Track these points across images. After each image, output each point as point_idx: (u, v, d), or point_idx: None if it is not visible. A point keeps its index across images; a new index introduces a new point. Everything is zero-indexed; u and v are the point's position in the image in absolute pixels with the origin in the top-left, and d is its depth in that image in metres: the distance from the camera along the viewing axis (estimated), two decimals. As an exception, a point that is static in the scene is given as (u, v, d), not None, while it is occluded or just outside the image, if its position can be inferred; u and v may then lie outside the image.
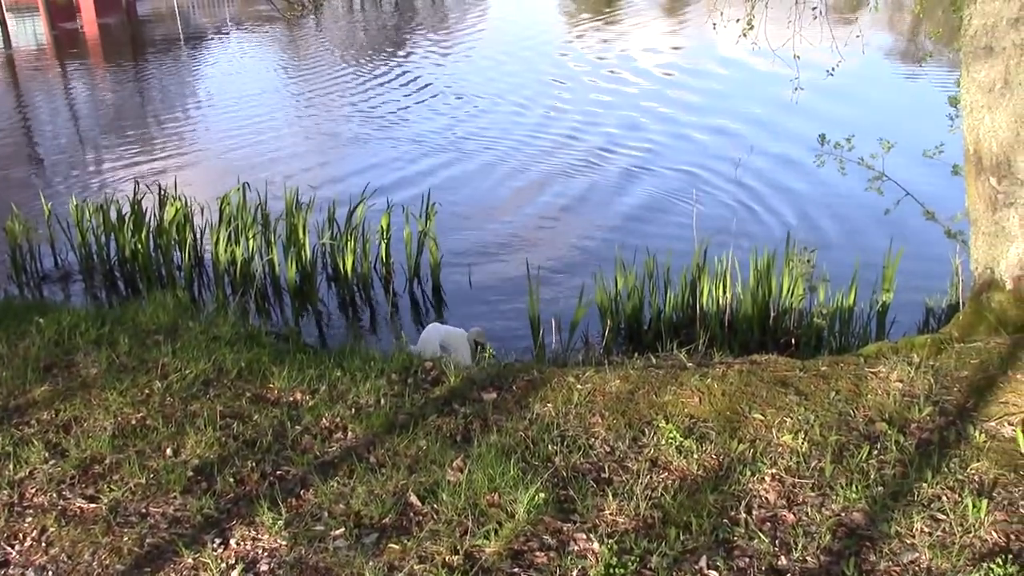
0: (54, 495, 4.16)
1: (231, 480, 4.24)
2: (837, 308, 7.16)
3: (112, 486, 4.20)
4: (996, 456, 4.13)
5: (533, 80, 18.80)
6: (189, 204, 9.31)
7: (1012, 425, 4.36)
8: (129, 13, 36.47)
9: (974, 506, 3.76)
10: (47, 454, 4.48)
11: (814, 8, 7.92)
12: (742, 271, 7.35)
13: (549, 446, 4.43)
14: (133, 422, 4.77)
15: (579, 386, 5.03)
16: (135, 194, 9.26)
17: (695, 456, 4.29)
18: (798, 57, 8.13)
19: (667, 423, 4.56)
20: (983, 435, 4.30)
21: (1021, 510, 3.76)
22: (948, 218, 7.28)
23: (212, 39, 27.66)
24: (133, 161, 13.91)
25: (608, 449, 4.41)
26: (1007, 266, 5.42)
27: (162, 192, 9.43)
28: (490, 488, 4.05)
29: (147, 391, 5.09)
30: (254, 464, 4.38)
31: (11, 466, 4.38)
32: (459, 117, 15.97)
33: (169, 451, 4.50)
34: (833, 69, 8.46)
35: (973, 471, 4.05)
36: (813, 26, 7.99)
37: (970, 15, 5.37)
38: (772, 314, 7.20)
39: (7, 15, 33.94)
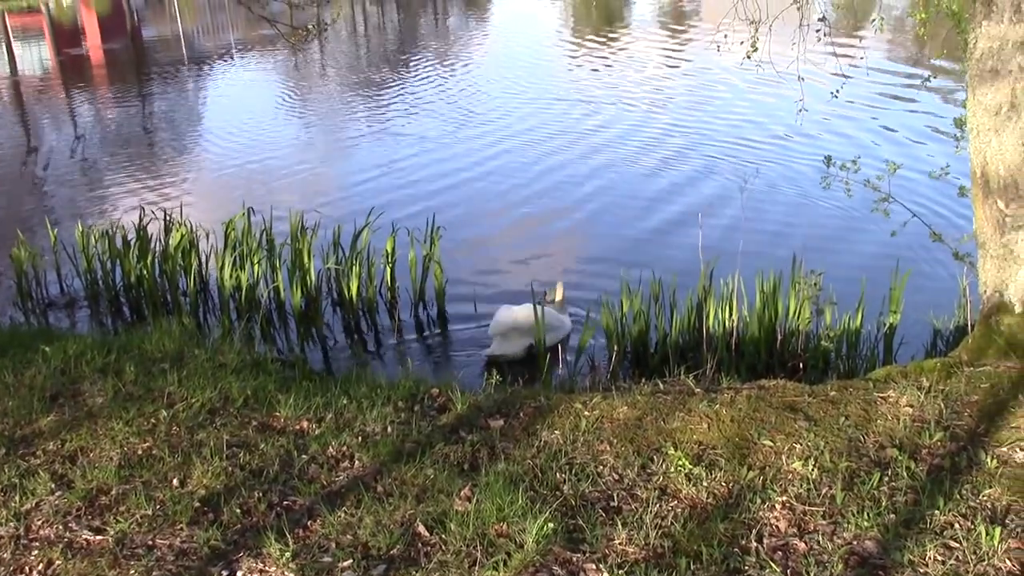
0: (60, 527, 4.14)
1: (238, 511, 4.22)
2: (844, 331, 7.12)
3: (119, 518, 4.18)
4: (1008, 482, 4.11)
5: (535, 100, 18.79)
6: (194, 229, 9.31)
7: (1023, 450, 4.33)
8: (134, 38, 36.67)
9: (987, 533, 3.73)
10: (53, 485, 4.46)
11: (818, 31, 7.92)
12: (748, 294, 7.32)
13: (557, 474, 4.41)
14: (139, 452, 4.76)
15: (586, 413, 5.01)
16: (140, 220, 9.27)
17: (704, 484, 4.26)
18: (802, 79, 8.13)
19: (676, 450, 4.53)
20: (995, 461, 4.27)
21: (1035, 537, 3.73)
22: (955, 239, 7.25)
23: (217, 63, 27.76)
24: (138, 186, 13.92)
25: (617, 477, 4.39)
26: (1016, 289, 5.40)
27: (167, 217, 9.43)
28: (498, 518, 4.02)
29: (153, 420, 5.07)
30: (261, 494, 4.36)
31: (17, 498, 4.36)
32: (461, 137, 15.97)
33: (176, 481, 4.48)
34: (837, 91, 8.46)
35: (985, 497, 4.02)
36: (818, 47, 7.99)
37: (975, 38, 5.36)
38: (779, 337, 7.17)
39: (13, 41, 34.13)
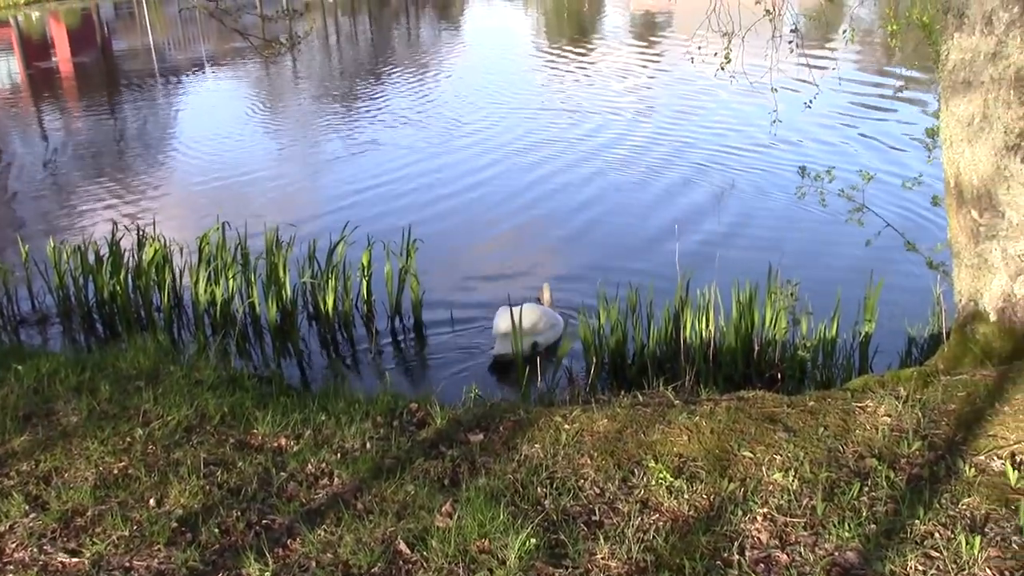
0: (35, 550, 4.08)
1: (216, 531, 4.17)
2: (820, 340, 7.17)
3: (95, 539, 4.12)
4: (987, 491, 4.12)
5: (510, 111, 18.78)
6: (168, 244, 9.24)
7: (1001, 459, 4.35)
8: (105, 50, 36.39)
9: (967, 543, 3.74)
10: (27, 507, 4.40)
11: (790, 42, 7.99)
12: (724, 304, 7.35)
13: (538, 489, 4.39)
14: (115, 472, 4.70)
15: (566, 426, 5.00)
16: (113, 235, 9.18)
17: (686, 496, 4.26)
18: (775, 90, 8.20)
19: (656, 463, 4.53)
20: (973, 469, 4.29)
21: (1014, 546, 3.74)
22: (929, 248, 7.31)
23: (188, 75, 27.58)
24: (110, 201, 13.80)
25: (598, 491, 4.37)
26: (991, 298, 5.44)
27: (140, 232, 9.36)
28: (480, 534, 4.00)
29: (129, 439, 5.01)
30: (239, 513, 4.31)
31: (-10, 520, 4.30)
32: (437, 149, 15.94)
33: (152, 501, 4.42)
34: (810, 102, 8.53)
35: (964, 506, 4.03)
36: (791, 59, 8.06)
37: (948, 50, 5.42)
38: (756, 347, 7.20)
39: (-19, 54, 33.79)
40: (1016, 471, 4.19)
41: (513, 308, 7.66)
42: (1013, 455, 4.35)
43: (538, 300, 8.24)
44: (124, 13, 49.05)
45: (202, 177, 14.99)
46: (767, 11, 7.84)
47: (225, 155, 16.39)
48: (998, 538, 3.80)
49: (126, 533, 4.16)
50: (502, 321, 7.71)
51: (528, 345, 7.71)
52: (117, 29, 43.74)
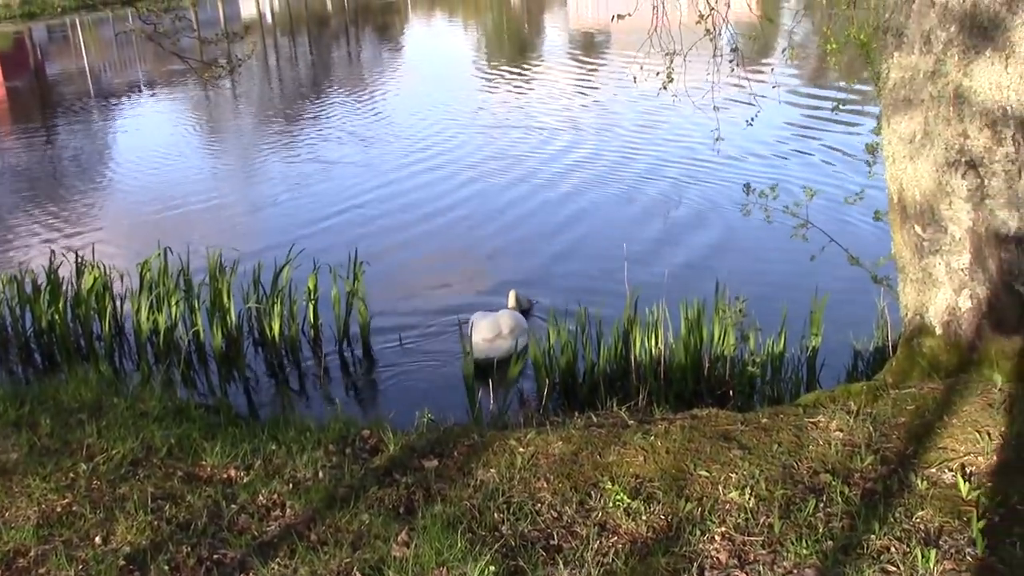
0: (-25, 594, 3.94)
1: (166, 567, 4.06)
2: (768, 355, 7.22)
3: (38, 581, 3.99)
4: (939, 503, 4.17)
5: (448, 134, 18.74)
6: (108, 272, 9.05)
7: (952, 471, 4.41)
8: (39, 74, 35.70)
9: (923, 556, 3.78)
10: (-34, 549, 4.25)
11: (731, 61, 8.08)
12: (673, 321, 7.38)
13: (495, 514, 4.35)
14: (58, 509, 4.56)
15: (521, 449, 4.96)
16: (51, 262, 8.98)
17: (643, 518, 4.24)
18: (717, 109, 8.27)
19: (613, 484, 4.51)
20: (925, 482, 4.34)
21: (968, 558, 3.79)
22: (872, 261, 7.42)
23: (125, 99, 27.13)
24: (47, 227, 13.49)
25: (555, 515, 4.34)
26: (936, 312, 5.52)
27: (79, 260, 9.16)
28: (438, 562, 3.95)
29: (72, 475, 4.87)
30: (189, 549, 4.21)
31: (-73, 564, 4.15)
32: (380, 173, 15.84)
33: (98, 539, 4.30)
34: (752, 119, 8.63)
35: (919, 520, 4.07)
36: (732, 77, 8.14)
37: (888, 68, 5.50)
38: (706, 364, 7.23)
39: (-91, 80, 32.96)
40: (967, 483, 4.25)
41: (492, 313, 8.05)
42: (963, 467, 4.41)
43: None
44: (58, 36, 48.16)
45: (141, 202, 14.73)
46: (707, 31, 7.91)
47: (165, 179, 16.13)
48: (952, 550, 3.84)
49: (71, 573, 4.04)
50: (483, 327, 7.95)
51: (506, 349, 7.92)
52: (51, 52, 42.93)
